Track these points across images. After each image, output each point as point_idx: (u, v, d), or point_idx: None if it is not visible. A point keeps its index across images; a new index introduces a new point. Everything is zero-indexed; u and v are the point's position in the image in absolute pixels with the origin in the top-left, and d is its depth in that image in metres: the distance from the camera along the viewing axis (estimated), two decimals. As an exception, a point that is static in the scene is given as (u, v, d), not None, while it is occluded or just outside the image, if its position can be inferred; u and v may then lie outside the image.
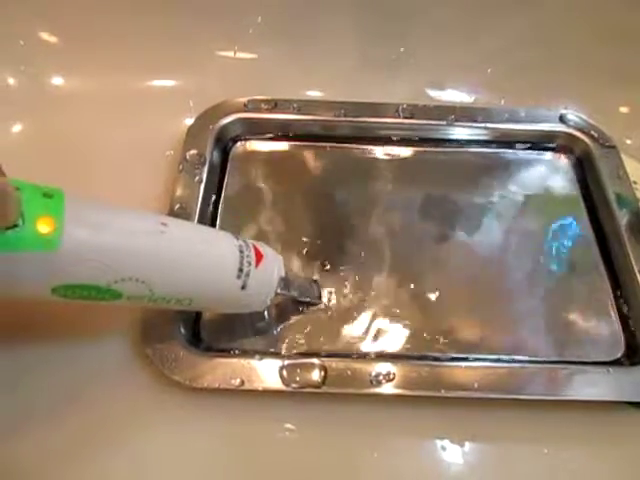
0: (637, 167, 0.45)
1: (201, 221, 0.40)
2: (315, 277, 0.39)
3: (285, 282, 0.35)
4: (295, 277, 0.38)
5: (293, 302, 0.38)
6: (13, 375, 0.35)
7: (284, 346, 0.36)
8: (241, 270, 0.31)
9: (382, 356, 0.36)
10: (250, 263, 0.32)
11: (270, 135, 0.47)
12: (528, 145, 0.48)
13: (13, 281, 0.25)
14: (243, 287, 0.31)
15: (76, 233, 0.25)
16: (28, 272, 0.25)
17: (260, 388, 0.33)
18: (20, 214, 0.23)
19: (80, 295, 0.27)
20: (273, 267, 0.34)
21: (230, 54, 0.51)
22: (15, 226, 0.23)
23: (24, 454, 0.32)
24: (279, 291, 0.34)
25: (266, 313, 0.37)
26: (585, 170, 0.46)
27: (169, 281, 0.29)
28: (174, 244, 0.29)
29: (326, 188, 0.45)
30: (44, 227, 0.24)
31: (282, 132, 0.47)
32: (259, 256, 0.33)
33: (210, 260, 0.31)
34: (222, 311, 0.37)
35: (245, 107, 0.46)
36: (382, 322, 0.38)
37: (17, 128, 0.47)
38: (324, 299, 0.38)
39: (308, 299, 0.38)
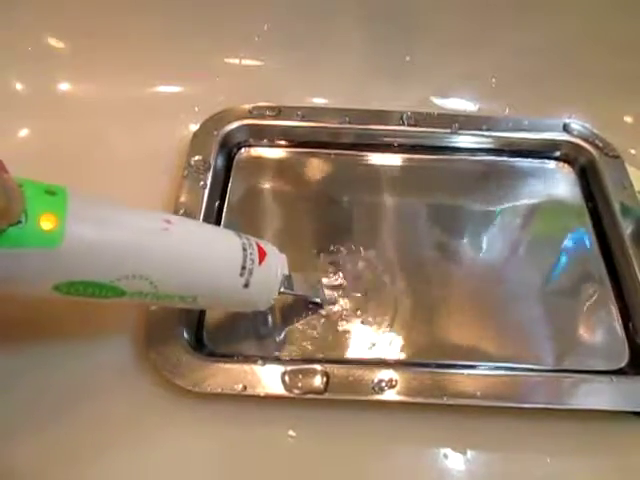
0: (642, 177, 0.45)
1: (205, 226, 0.40)
2: (319, 282, 0.39)
3: (289, 281, 0.35)
4: (299, 276, 0.37)
5: (297, 305, 0.38)
6: (14, 375, 0.35)
7: (287, 352, 0.36)
8: (244, 268, 0.31)
9: (384, 363, 0.36)
10: (253, 261, 0.32)
11: (274, 142, 0.47)
12: (532, 154, 0.48)
13: (15, 277, 0.25)
14: (246, 285, 0.31)
15: (79, 230, 0.25)
16: (30, 268, 0.25)
17: (262, 394, 0.33)
18: (23, 211, 0.23)
19: (83, 292, 0.27)
20: (276, 265, 0.34)
21: (236, 61, 0.51)
22: (18, 222, 0.23)
23: (24, 456, 0.32)
24: (283, 290, 0.34)
25: (270, 318, 0.37)
26: (589, 180, 0.46)
27: (172, 279, 0.29)
28: (178, 242, 0.29)
29: (330, 195, 0.45)
30: (46, 224, 0.24)
31: (286, 139, 0.47)
32: (262, 254, 0.32)
33: (213, 258, 0.31)
34: (226, 309, 0.37)
35: (250, 114, 0.47)
36: (385, 329, 0.38)
37: (24, 132, 0.48)
38: (327, 305, 0.38)
39: (313, 299, 0.38)
